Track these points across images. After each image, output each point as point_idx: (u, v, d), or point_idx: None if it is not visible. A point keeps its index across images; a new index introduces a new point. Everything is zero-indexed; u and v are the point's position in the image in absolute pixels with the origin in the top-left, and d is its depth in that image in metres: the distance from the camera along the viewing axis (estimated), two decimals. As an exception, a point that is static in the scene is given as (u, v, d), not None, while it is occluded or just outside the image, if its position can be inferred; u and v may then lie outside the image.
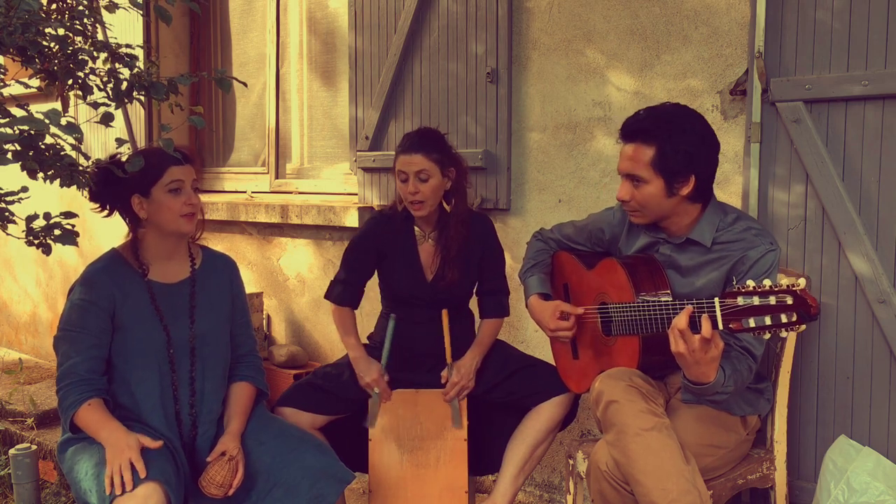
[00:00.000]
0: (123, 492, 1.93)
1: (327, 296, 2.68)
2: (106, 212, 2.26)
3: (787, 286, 1.74)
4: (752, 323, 1.76)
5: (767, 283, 1.76)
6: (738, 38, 2.55)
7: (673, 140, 2.07)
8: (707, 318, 1.82)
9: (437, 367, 2.58)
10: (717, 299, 1.81)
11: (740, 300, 1.77)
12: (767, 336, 1.79)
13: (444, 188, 2.53)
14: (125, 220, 2.28)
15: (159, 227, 2.21)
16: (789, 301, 1.73)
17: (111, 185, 2.18)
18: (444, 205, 2.55)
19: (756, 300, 1.75)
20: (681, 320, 1.86)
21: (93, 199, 2.22)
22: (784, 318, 1.73)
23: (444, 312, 2.57)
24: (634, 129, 2.12)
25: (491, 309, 2.65)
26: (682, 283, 2.18)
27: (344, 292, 2.64)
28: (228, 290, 2.37)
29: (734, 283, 2.07)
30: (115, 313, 2.18)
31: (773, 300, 1.74)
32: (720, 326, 1.81)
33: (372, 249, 2.61)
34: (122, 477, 1.95)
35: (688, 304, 1.88)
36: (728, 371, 1.97)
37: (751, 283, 1.78)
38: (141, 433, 2.08)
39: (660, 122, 2.10)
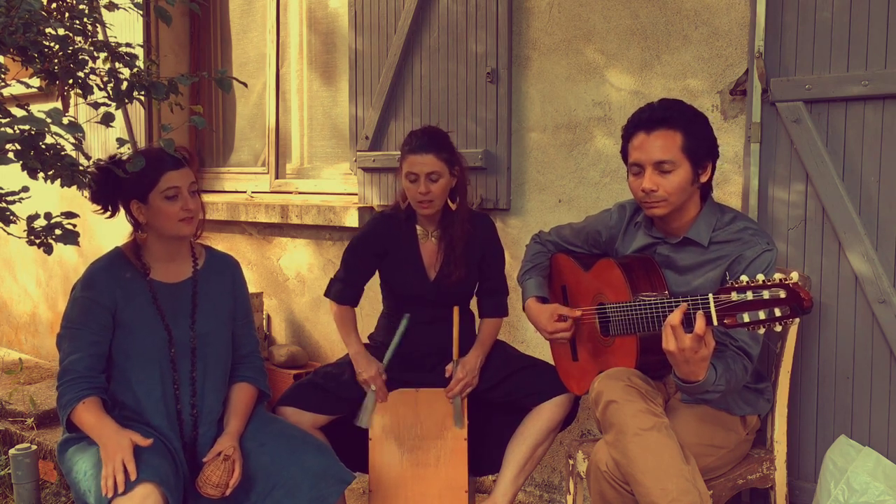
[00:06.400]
0: (116, 493, 1.93)
1: (327, 293, 2.68)
2: (108, 213, 2.26)
3: (780, 280, 1.75)
4: (746, 318, 1.76)
5: (760, 277, 1.77)
6: (738, 38, 2.55)
7: (694, 126, 2.12)
8: (701, 315, 1.82)
9: (438, 367, 2.58)
10: (711, 295, 1.82)
11: (734, 295, 1.78)
12: (762, 331, 1.79)
13: (450, 187, 2.53)
14: (129, 220, 2.28)
15: (158, 231, 2.22)
16: (782, 295, 1.73)
17: (111, 187, 2.18)
18: (449, 203, 2.55)
19: (750, 295, 1.76)
20: (674, 317, 1.86)
21: (94, 200, 2.23)
22: (778, 312, 1.74)
23: (456, 309, 2.58)
24: (656, 117, 2.12)
25: (491, 309, 2.65)
26: (680, 282, 2.18)
27: (343, 291, 2.64)
28: (231, 290, 2.36)
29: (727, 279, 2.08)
30: (117, 312, 2.19)
31: (766, 294, 1.74)
32: (715, 322, 1.81)
33: (373, 249, 2.61)
34: (115, 479, 1.94)
35: (683, 301, 1.88)
36: (720, 370, 1.97)
37: (744, 279, 1.79)
38: (136, 430, 2.07)
39: (674, 110, 2.13)
